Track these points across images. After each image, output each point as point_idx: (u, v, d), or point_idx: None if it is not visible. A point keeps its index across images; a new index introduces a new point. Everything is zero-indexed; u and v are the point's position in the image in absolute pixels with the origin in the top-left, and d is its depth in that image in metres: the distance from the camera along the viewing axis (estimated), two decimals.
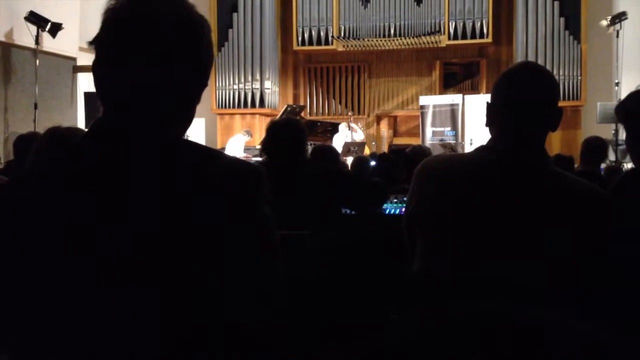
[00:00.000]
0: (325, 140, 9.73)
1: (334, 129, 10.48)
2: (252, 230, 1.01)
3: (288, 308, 1.07)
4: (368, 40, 11.79)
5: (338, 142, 9.90)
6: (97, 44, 1.04)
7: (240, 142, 10.22)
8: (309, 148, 5.96)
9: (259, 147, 9.48)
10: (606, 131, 8.62)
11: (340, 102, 12.65)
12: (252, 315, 1.01)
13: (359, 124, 11.77)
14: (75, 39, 8.82)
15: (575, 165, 5.06)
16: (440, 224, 1.60)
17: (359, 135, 10.75)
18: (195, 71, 1.07)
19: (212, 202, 0.97)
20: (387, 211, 3.38)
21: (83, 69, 8.86)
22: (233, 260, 0.97)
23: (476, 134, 10.24)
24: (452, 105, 11.11)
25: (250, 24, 12.05)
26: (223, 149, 9.50)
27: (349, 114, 11.69)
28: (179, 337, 0.94)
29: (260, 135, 11.06)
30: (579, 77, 10.83)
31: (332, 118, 11.89)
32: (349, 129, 10.52)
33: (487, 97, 1.74)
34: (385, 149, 11.29)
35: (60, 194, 0.98)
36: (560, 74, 10.77)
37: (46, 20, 7.79)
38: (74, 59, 8.96)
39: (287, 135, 2.88)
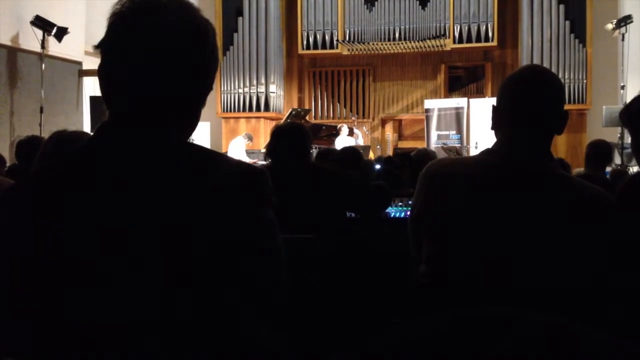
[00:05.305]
0: (330, 144, 9.74)
1: (338, 132, 10.49)
2: (255, 233, 1.01)
3: (291, 312, 1.07)
4: (373, 44, 11.81)
5: (340, 145, 9.91)
6: (102, 47, 1.05)
7: (241, 145, 10.27)
8: (314, 152, 5.96)
9: (263, 150, 9.51)
10: (612, 134, 8.60)
11: (345, 106, 12.66)
12: (252, 318, 1.02)
13: (364, 127, 11.78)
14: (81, 43, 8.86)
15: (580, 169, 5.04)
16: (445, 227, 1.59)
17: (362, 142, 10.76)
18: (200, 75, 1.08)
19: (215, 205, 0.97)
20: (392, 215, 3.38)
21: (89, 72, 8.89)
22: (235, 262, 0.97)
23: (481, 137, 10.23)
24: (457, 108, 11.11)
25: (256, 28, 12.09)
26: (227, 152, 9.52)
27: (353, 118, 11.70)
28: (179, 337, 0.94)
29: (265, 139, 11.09)
30: (585, 81, 10.81)
31: (336, 122, 11.90)
32: (353, 135, 10.52)
33: (492, 101, 1.73)
34: (390, 152, 11.29)
35: (65, 197, 0.98)
36: (566, 77, 10.76)
37: (52, 25, 7.83)
38: (80, 63, 8.99)
39: (291, 139, 2.89)
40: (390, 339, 0.66)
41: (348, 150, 4.49)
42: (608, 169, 4.79)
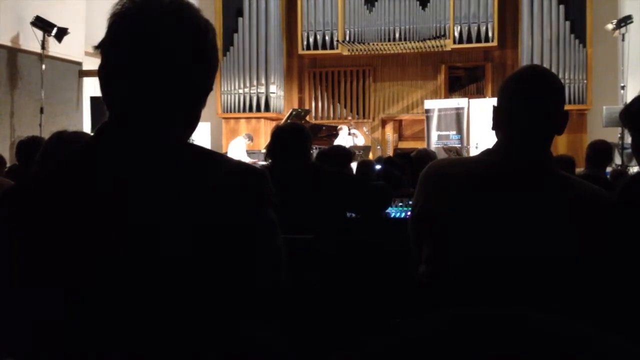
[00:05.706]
0: (330, 145, 9.74)
1: (337, 133, 10.49)
2: (255, 233, 1.01)
3: (291, 312, 1.07)
4: (373, 45, 11.81)
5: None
6: (102, 48, 1.05)
7: (242, 145, 10.28)
8: (314, 152, 5.96)
9: (264, 151, 9.52)
10: (612, 135, 8.59)
11: (345, 106, 12.66)
12: (252, 318, 1.02)
13: (364, 127, 11.78)
14: (81, 44, 8.86)
15: (580, 169, 5.05)
16: (445, 227, 1.59)
17: (361, 141, 10.75)
18: (200, 75, 1.08)
19: (215, 205, 0.98)
20: (392, 215, 3.38)
21: (89, 73, 8.89)
22: (236, 262, 0.97)
23: (482, 137, 10.22)
24: (457, 109, 11.10)
25: (256, 28, 12.09)
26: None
27: (349, 118, 11.70)
28: (179, 337, 0.94)
29: (265, 139, 11.09)
30: (585, 81, 10.81)
31: (337, 122, 11.90)
32: (350, 134, 10.52)
33: (493, 101, 1.73)
34: (390, 152, 11.28)
35: (65, 197, 0.98)
36: (566, 77, 10.76)
37: (52, 25, 7.83)
38: (80, 64, 8.99)
39: (291, 139, 2.89)
40: (390, 339, 0.66)
41: (339, 149, 4.47)
42: (608, 169, 4.79)
